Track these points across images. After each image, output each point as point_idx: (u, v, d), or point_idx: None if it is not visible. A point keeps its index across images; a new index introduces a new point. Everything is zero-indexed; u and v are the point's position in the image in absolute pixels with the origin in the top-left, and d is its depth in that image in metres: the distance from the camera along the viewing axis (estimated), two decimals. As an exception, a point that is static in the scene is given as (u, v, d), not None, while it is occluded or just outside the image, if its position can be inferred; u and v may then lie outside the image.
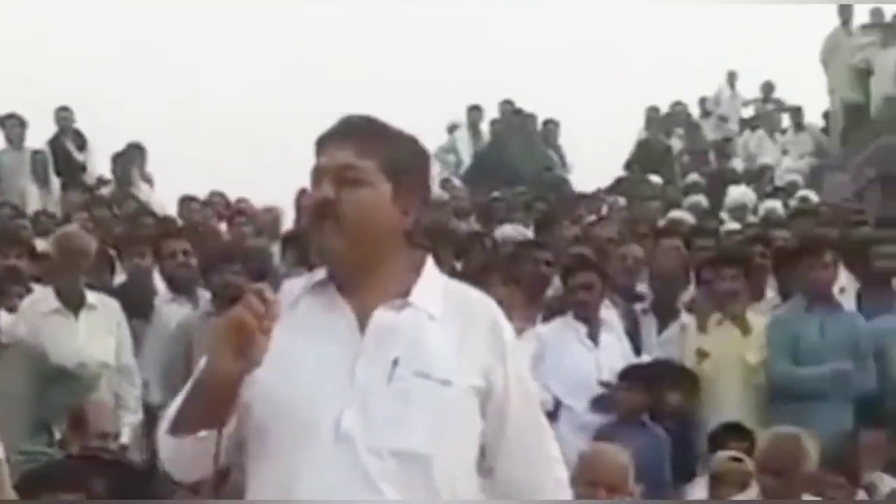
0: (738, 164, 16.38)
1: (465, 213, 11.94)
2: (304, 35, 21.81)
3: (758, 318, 7.22)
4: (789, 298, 7.44)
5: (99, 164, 13.64)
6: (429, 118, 16.64)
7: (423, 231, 8.11)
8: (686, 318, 7.41)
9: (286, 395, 2.58)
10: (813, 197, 13.18)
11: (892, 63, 15.86)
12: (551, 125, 16.02)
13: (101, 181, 13.20)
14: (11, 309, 6.91)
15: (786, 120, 17.72)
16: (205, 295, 7.59)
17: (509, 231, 9.18)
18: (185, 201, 11.69)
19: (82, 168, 13.47)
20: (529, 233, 9.35)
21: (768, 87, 18.50)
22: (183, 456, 2.60)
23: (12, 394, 6.27)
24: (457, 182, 14.37)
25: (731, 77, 18.58)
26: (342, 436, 2.55)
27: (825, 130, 17.46)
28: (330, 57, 21.66)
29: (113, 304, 7.12)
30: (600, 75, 21.58)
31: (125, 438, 6.64)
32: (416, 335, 2.63)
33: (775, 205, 12.33)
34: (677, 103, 17.86)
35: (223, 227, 11.11)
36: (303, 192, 12.09)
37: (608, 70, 21.74)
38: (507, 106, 15.88)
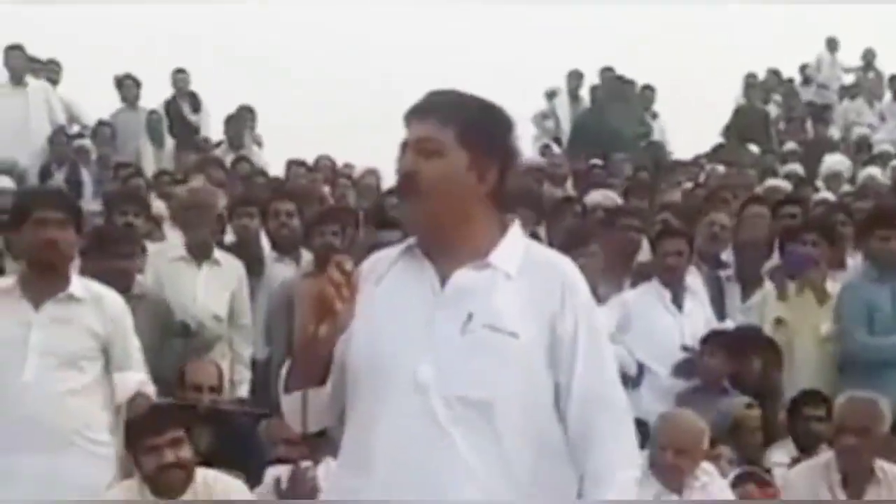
0: (835, 132, 16.34)
1: (562, 180, 12.09)
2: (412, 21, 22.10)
3: (837, 288, 7.27)
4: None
5: (212, 127, 13.98)
6: (529, 84, 16.99)
7: (508, 195, 8.39)
8: (769, 286, 7.48)
9: (372, 349, 2.86)
10: (910, 167, 13.12)
11: None
12: (648, 91, 16.05)
13: (212, 143, 13.56)
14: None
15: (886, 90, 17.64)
16: (307, 255, 7.94)
17: (598, 197, 9.34)
18: (293, 164, 11.95)
19: (196, 130, 13.81)
20: (619, 199, 9.51)
21: (869, 55, 18.32)
22: (290, 407, 2.92)
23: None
24: (556, 148, 14.51)
25: (832, 44, 18.47)
26: (419, 385, 2.80)
27: (926, 99, 17.38)
28: (434, 26, 21.91)
29: (236, 264, 7.46)
30: (698, 42, 21.50)
31: (243, 392, 7.10)
32: (490, 292, 2.85)
33: (875, 172, 12.23)
34: (774, 70, 17.83)
35: (327, 190, 11.41)
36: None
37: (705, 37, 21.64)
38: (608, 72, 15.95)
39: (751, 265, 7.74)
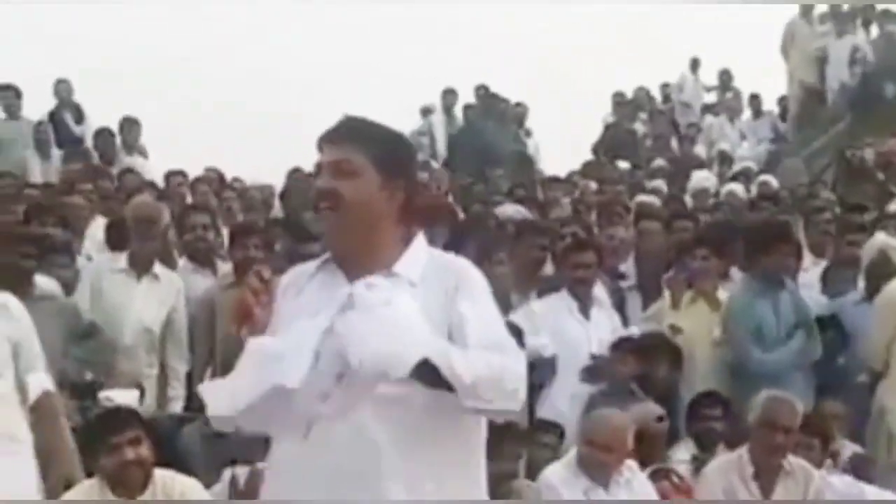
0: (700, 149, 17.01)
1: (444, 195, 12.41)
2: (292, 26, 22.20)
3: (726, 296, 7.74)
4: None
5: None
6: (402, 102, 17.31)
7: (423, 211, 8.68)
8: (667, 296, 7.95)
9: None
10: (773, 182, 13.75)
11: (847, 51, 16.60)
12: (521, 108, 16.58)
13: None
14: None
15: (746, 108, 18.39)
16: (222, 267, 8.16)
17: (510, 211, 9.69)
18: (171, 175, 11.96)
19: (80, 141, 13.74)
20: (528, 213, 9.85)
21: (726, 75, 19.00)
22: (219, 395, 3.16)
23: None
24: (434, 164, 14.86)
25: (694, 64, 19.08)
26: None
27: (782, 117, 18.20)
28: (314, 47, 22.10)
29: (175, 278, 7.65)
30: (565, 65, 22.09)
31: (177, 408, 7.28)
32: (391, 297, 3.06)
33: (736, 188, 12.75)
34: (641, 88, 18.46)
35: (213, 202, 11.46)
36: (294, 171, 12.69)
37: (573, 60, 22.24)
38: (482, 90, 16.43)
39: (650, 276, 8.17)
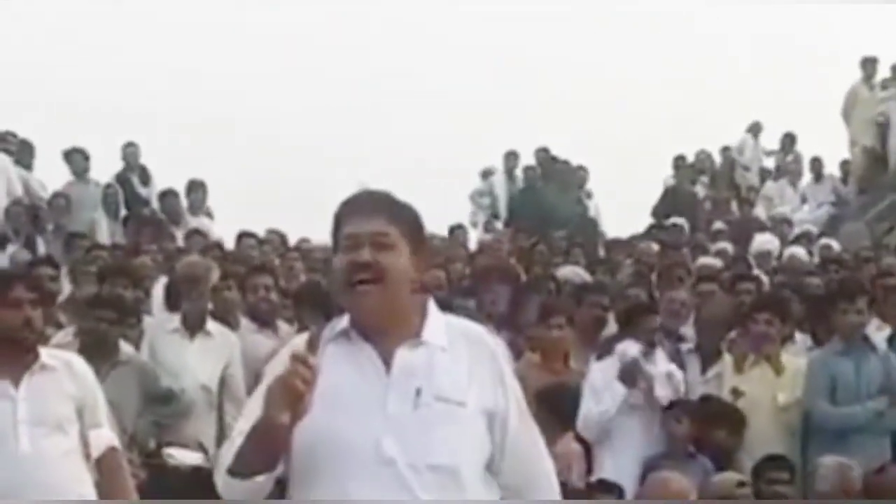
0: (760, 212, 16.99)
1: (506, 255, 12.51)
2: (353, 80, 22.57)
3: (791, 360, 7.77)
4: (820, 343, 8.08)
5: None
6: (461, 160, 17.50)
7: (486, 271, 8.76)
8: (727, 359, 7.93)
9: (331, 429, 3.09)
10: (835, 245, 13.71)
11: (911, 117, 16.58)
12: (582, 171, 16.71)
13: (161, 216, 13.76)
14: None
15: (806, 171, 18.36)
16: (283, 327, 8.30)
17: (569, 273, 9.76)
18: (243, 236, 12.10)
19: (146, 202, 14.07)
20: (587, 276, 9.94)
21: (787, 139, 18.89)
22: (238, 492, 3.10)
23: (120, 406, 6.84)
24: (498, 225, 14.99)
25: (755, 127, 19.04)
26: (385, 458, 3.07)
27: (843, 181, 18.15)
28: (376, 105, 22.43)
29: (229, 334, 7.83)
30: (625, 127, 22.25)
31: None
32: (431, 367, 3.17)
33: (798, 251, 12.74)
34: (702, 151, 18.50)
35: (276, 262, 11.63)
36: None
37: (628, 121, 22.39)
38: (543, 153, 16.57)
39: (710, 339, 8.14)
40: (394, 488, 3.07)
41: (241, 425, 3.15)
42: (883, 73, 17.64)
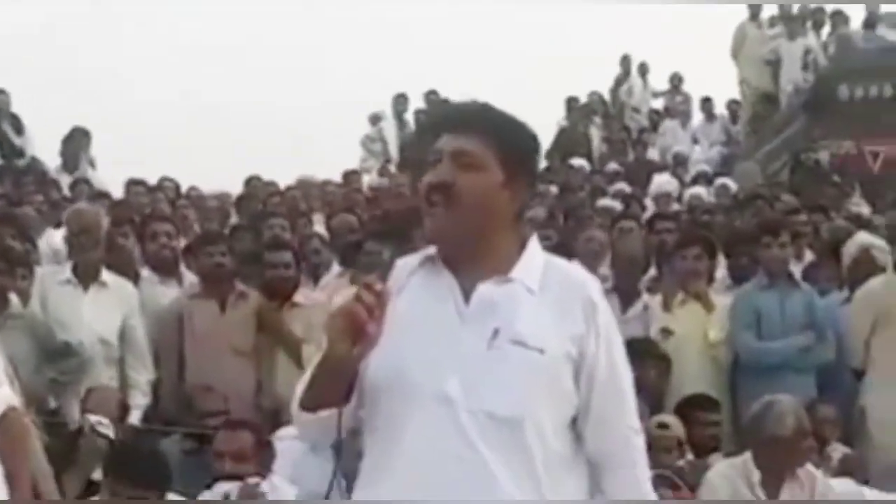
0: (653, 153, 16.93)
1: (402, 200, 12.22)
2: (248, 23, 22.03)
3: (718, 297, 7.62)
4: (740, 279, 7.93)
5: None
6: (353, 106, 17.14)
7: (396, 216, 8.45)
8: (647, 299, 7.75)
9: (397, 360, 2.80)
10: (731, 185, 13.69)
11: (800, 53, 16.60)
12: (474, 114, 16.42)
13: (43, 165, 13.28)
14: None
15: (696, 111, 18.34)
16: (188, 276, 7.90)
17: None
18: (132, 184, 11.79)
19: (21, 152, 13.51)
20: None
21: (676, 79, 18.95)
22: (310, 429, 2.90)
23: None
24: (393, 169, 14.68)
25: (643, 68, 19.00)
26: (445, 398, 2.76)
27: (732, 120, 18.15)
28: (270, 48, 21.94)
29: (127, 287, 7.39)
30: (516, 69, 22.06)
31: (135, 419, 6.90)
32: (515, 308, 2.82)
33: (701, 191, 12.70)
34: (594, 93, 18.35)
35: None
36: (251, 179, 12.48)
37: (525, 65, 22.21)
38: (433, 96, 16.25)
39: (628, 279, 7.92)
40: (449, 433, 2.76)
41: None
42: (770, 9, 17.64)
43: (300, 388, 2.90)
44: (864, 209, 11.87)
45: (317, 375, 2.83)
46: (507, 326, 2.81)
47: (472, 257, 2.87)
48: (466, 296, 2.85)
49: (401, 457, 2.80)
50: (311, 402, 2.84)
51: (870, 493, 6.33)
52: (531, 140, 2.99)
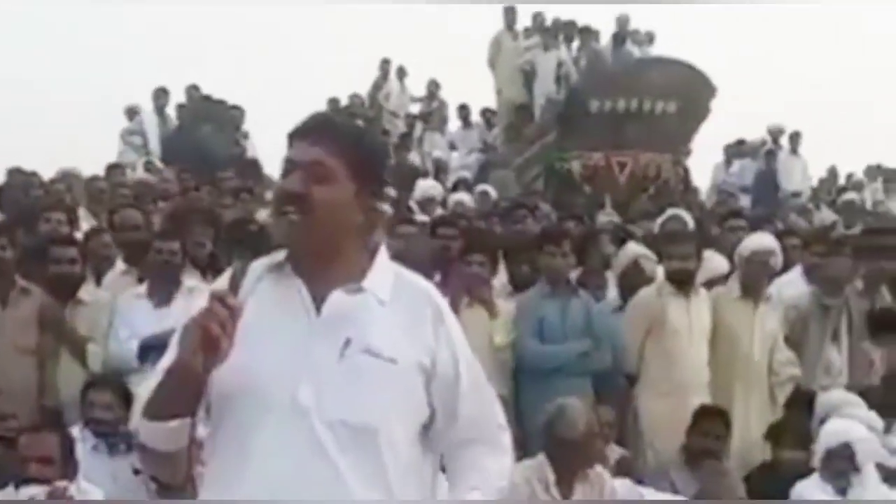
0: (413, 157, 17.12)
1: (170, 196, 12.10)
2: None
3: (500, 303, 7.88)
4: (521, 286, 8.21)
5: None
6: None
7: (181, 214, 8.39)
8: (437, 304, 7.94)
9: (246, 366, 2.78)
10: (492, 192, 13.99)
11: (553, 66, 17.08)
12: (237, 111, 16.32)
13: None
14: None
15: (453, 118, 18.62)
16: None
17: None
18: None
19: None
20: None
21: (433, 85, 19.21)
22: (157, 438, 2.82)
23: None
24: (159, 164, 14.41)
25: (401, 72, 19.17)
26: (298, 408, 2.77)
27: (488, 127, 18.47)
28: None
29: None
30: (280, 69, 21.94)
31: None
32: (367, 318, 2.85)
33: (465, 198, 12.86)
34: (355, 96, 18.43)
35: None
36: (14, 170, 12.10)
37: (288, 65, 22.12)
38: (194, 91, 16.06)
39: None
40: (301, 442, 2.77)
41: (164, 363, 2.84)
42: (525, 21, 18.00)
43: (145, 393, 2.86)
44: (616, 219, 12.33)
45: (164, 385, 2.79)
46: (360, 337, 2.85)
47: (323, 265, 2.90)
48: (317, 304, 2.88)
49: (251, 464, 2.80)
50: (159, 412, 2.80)
51: (646, 492, 6.66)
52: (381, 150, 3.09)
